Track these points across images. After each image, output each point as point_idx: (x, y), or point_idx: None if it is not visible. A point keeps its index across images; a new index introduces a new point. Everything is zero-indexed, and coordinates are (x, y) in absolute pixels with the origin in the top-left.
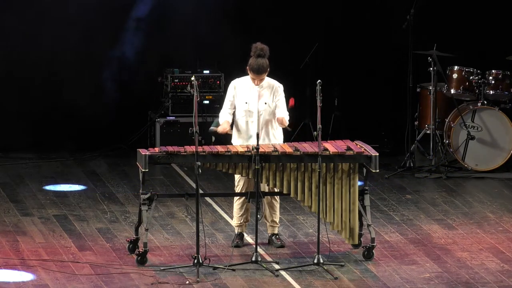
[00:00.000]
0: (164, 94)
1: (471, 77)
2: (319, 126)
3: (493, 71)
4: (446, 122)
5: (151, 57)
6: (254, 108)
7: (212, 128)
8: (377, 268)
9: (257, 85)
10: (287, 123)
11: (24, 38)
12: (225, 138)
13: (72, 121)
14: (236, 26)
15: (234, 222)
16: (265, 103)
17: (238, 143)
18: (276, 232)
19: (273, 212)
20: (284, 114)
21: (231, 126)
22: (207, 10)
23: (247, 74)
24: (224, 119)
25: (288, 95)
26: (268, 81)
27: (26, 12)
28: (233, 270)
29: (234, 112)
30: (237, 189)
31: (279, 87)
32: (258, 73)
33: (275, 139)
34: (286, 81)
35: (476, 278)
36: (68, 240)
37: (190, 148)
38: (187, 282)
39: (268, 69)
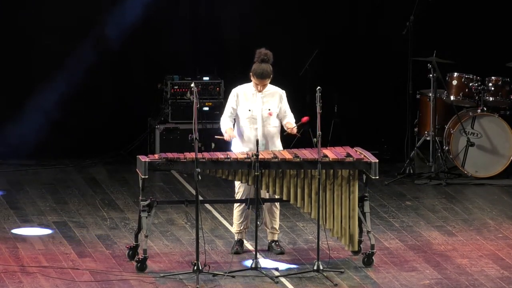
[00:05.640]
0: (163, 101)
1: (470, 84)
2: (319, 132)
3: (493, 77)
4: (446, 129)
5: (151, 63)
6: (258, 115)
7: (217, 137)
8: (376, 274)
9: (260, 91)
10: (295, 130)
11: (22, 41)
12: (226, 145)
13: (72, 127)
14: (235, 33)
15: (234, 228)
16: (269, 110)
17: (242, 150)
18: (276, 238)
19: (273, 219)
20: (292, 121)
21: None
22: (206, 16)
23: (248, 81)
24: (227, 126)
25: (288, 101)
26: (270, 87)
27: (23, 14)
28: (233, 276)
29: (234, 119)
30: (238, 196)
31: (283, 93)
32: (262, 78)
33: (277, 147)
34: (286, 88)
35: (476, 284)
36: (68, 247)
37: (190, 155)
38: None
39: (272, 75)
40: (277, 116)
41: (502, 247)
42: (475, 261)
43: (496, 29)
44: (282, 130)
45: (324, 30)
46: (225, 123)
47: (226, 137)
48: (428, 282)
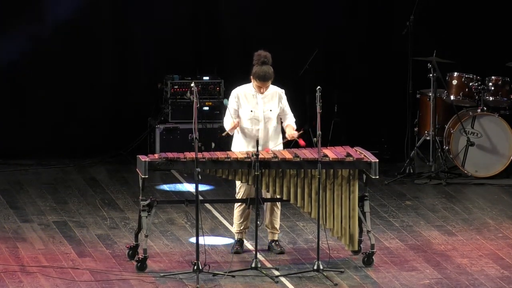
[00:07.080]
0: (163, 101)
1: (470, 84)
2: (319, 132)
3: (493, 77)
4: (446, 129)
5: (151, 63)
6: (260, 116)
7: (222, 135)
8: (377, 274)
9: (262, 93)
10: (296, 135)
11: (22, 44)
12: (228, 143)
13: (72, 127)
14: (235, 33)
15: (234, 228)
16: (271, 110)
17: (244, 150)
18: (276, 238)
19: (274, 219)
20: (292, 123)
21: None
22: (206, 16)
23: (248, 81)
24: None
25: (288, 101)
26: (269, 87)
27: (25, 16)
28: (233, 276)
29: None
30: (239, 196)
31: (282, 92)
32: (264, 80)
33: (278, 145)
34: (286, 88)
35: (476, 284)
36: (68, 247)
37: (190, 155)
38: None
39: (273, 76)
40: (277, 115)
41: (502, 246)
42: (475, 261)
43: (496, 29)
44: (283, 129)
45: (324, 30)
46: (229, 123)
47: (231, 127)
48: (428, 282)
